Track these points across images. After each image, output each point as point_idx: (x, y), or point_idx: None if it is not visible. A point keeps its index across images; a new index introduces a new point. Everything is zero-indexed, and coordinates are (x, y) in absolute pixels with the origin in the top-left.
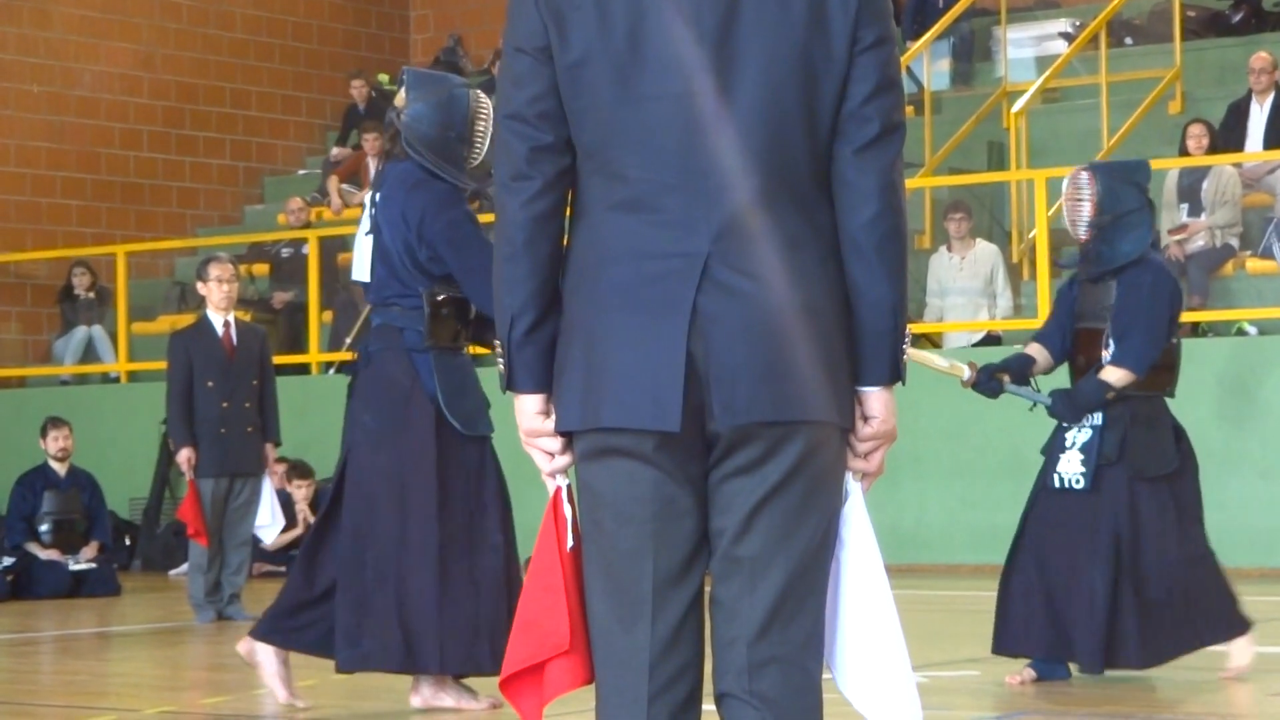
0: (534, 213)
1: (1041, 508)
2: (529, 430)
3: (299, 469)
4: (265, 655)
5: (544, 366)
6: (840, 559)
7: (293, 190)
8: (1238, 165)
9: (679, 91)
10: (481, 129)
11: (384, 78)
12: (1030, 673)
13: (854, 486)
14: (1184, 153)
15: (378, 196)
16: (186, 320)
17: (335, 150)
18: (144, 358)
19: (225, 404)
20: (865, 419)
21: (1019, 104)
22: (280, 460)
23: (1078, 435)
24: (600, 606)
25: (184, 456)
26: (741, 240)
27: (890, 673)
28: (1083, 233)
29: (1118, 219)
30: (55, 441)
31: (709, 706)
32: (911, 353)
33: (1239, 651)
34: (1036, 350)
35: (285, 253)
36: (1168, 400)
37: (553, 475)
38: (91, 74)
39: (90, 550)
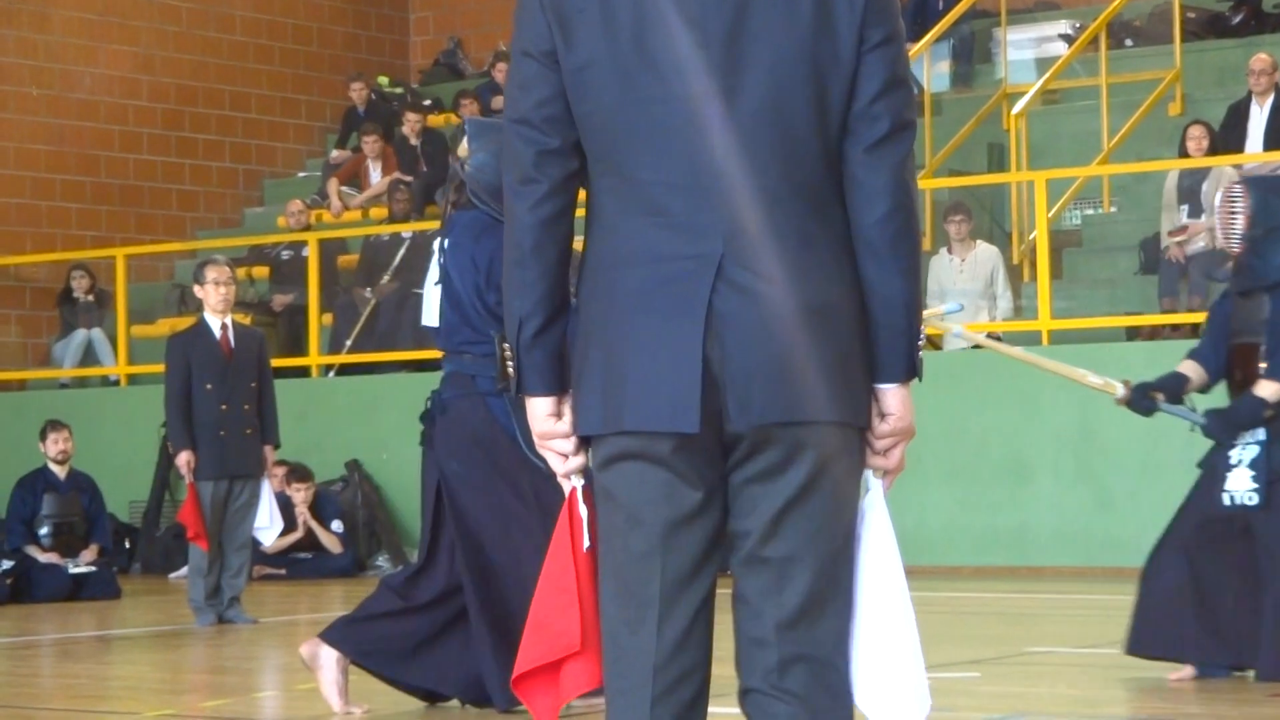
0: (541, 216)
1: (1204, 521)
2: (541, 433)
3: (298, 472)
4: (328, 661)
5: (553, 369)
6: (858, 556)
7: (292, 193)
8: (1238, 166)
9: (686, 94)
10: None
11: (384, 80)
12: (1190, 670)
13: (874, 484)
14: (1184, 154)
15: (446, 244)
16: (186, 323)
17: (335, 153)
18: (143, 361)
19: (224, 406)
20: (882, 416)
21: (1019, 105)
22: (279, 463)
23: (1243, 453)
24: (610, 608)
25: (183, 459)
26: (754, 240)
27: (903, 671)
28: (1235, 245)
29: (1270, 232)
30: (55, 444)
31: (718, 709)
32: (1065, 369)
33: None
34: (1190, 368)
35: (285, 255)
36: None
37: (567, 476)
38: (91, 77)
39: (90, 553)
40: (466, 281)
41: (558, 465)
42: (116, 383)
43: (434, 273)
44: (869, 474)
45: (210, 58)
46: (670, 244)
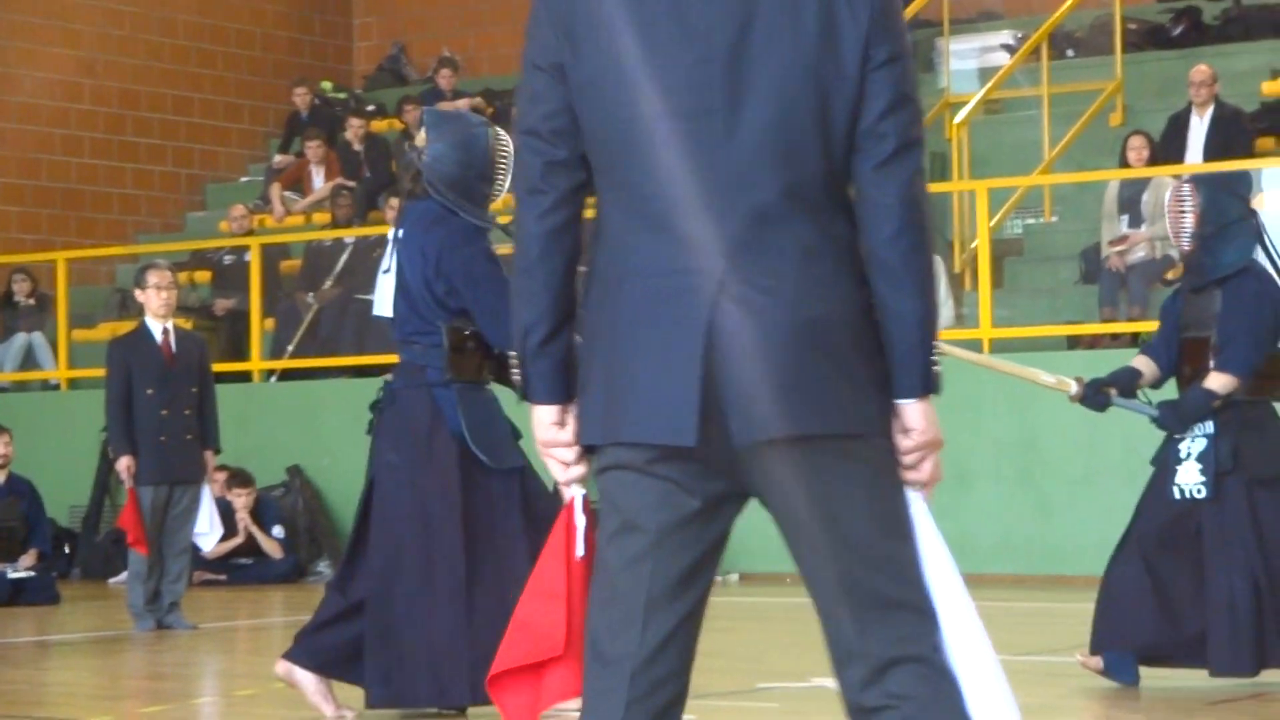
0: (547, 227)
1: (1160, 518)
2: (544, 441)
3: (239, 477)
4: (303, 675)
5: (559, 378)
6: None
7: (235, 197)
8: (1177, 177)
9: (691, 109)
10: (502, 166)
11: (327, 85)
12: (1098, 661)
13: (913, 497)
14: (1124, 164)
15: (399, 234)
16: (127, 327)
17: (278, 157)
18: (84, 365)
19: (165, 412)
20: (905, 432)
21: (961, 115)
22: (220, 468)
23: (1192, 446)
24: (596, 610)
25: (123, 464)
26: (756, 255)
27: (984, 672)
28: (1186, 244)
29: (1220, 229)
30: None
31: (690, 718)
32: (1018, 369)
33: None
34: (1143, 363)
35: (227, 260)
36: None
37: (568, 484)
38: (33, 80)
39: (29, 558)
40: (416, 271)
41: (559, 473)
42: (57, 387)
43: (386, 261)
44: (907, 489)
45: (153, 61)
46: (673, 258)
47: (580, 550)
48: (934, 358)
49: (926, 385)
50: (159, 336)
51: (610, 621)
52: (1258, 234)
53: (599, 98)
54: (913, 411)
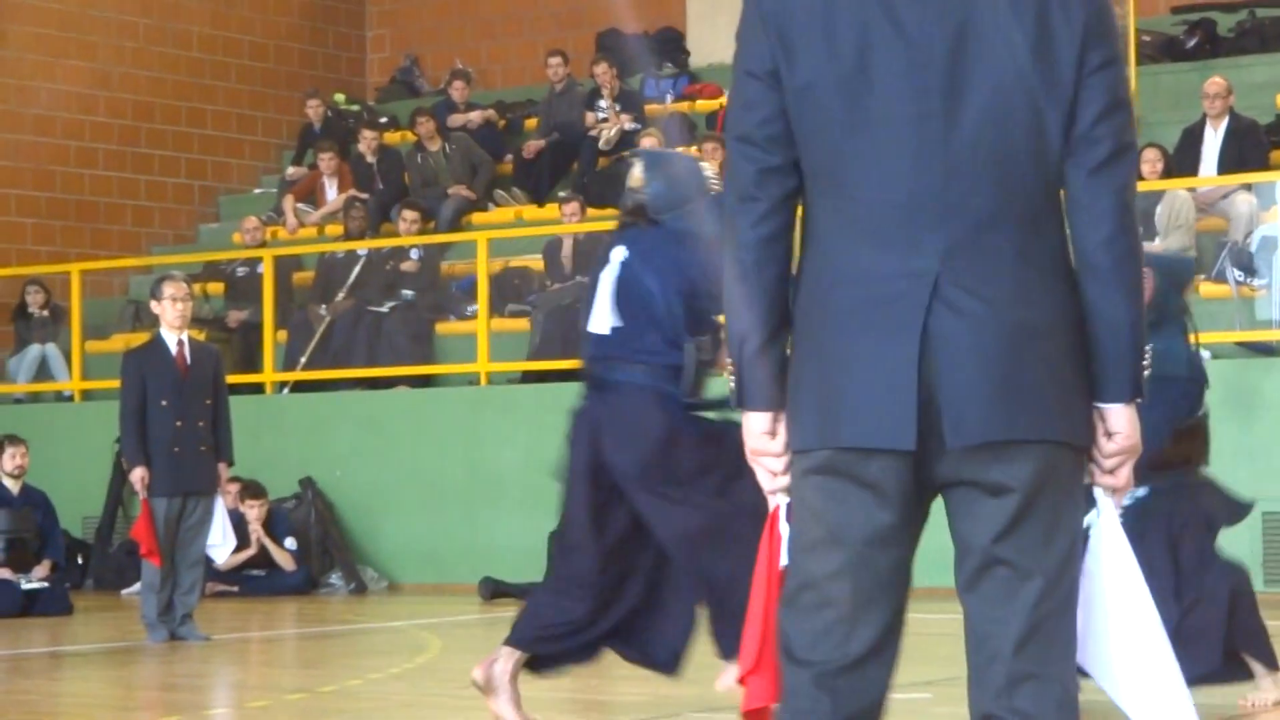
0: (762, 234)
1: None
2: (755, 449)
3: (252, 489)
4: (501, 681)
5: (773, 385)
6: (1096, 573)
7: (248, 209)
8: (1192, 190)
9: (908, 115)
10: (713, 195)
11: (340, 97)
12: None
13: (1105, 502)
14: (1138, 177)
15: (628, 254)
16: (141, 339)
17: (291, 169)
18: (98, 376)
19: (179, 423)
20: (1109, 435)
21: None
22: (233, 480)
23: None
24: (793, 618)
25: (137, 476)
26: (970, 260)
27: (1162, 681)
28: None
29: (1158, 323)
30: (12, 459)
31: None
32: None
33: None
34: None
35: (240, 272)
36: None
37: (774, 493)
38: (47, 92)
39: (42, 569)
40: (670, 284)
41: (767, 482)
42: (70, 398)
43: (605, 280)
44: (1099, 492)
45: (167, 74)
46: (887, 263)
47: (785, 560)
48: (1145, 362)
49: (1136, 390)
50: (174, 348)
51: (811, 629)
52: (1186, 330)
53: (814, 104)
54: (1119, 416)
